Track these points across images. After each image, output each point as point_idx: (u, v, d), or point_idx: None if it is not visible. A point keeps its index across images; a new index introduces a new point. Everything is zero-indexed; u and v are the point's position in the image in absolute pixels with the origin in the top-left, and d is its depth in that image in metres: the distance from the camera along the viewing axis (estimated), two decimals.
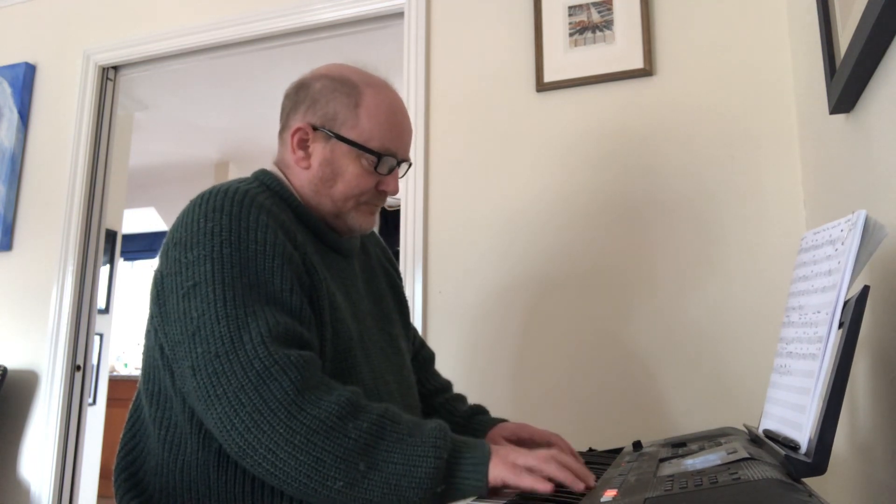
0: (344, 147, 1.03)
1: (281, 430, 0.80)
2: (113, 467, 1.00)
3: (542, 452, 0.84)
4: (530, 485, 0.80)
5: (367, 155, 1.03)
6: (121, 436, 1.02)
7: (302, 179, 1.05)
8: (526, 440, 1.14)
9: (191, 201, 0.96)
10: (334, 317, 0.98)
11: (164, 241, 0.96)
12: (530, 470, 0.81)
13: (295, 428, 0.80)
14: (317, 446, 0.80)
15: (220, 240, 0.89)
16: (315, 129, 1.04)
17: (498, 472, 0.82)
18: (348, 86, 1.04)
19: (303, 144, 1.05)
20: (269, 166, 1.10)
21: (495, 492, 0.83)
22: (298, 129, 1.04)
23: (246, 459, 0.82)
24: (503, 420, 1.22)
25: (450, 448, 0.83)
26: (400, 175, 1.10)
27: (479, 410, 1.27)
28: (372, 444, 0.81)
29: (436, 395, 1.29)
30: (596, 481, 0.83)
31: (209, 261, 0.88)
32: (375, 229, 1.27)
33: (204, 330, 0.85)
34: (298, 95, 1.07)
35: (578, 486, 0.80)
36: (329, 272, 1.03)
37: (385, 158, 1.04)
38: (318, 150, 1.04)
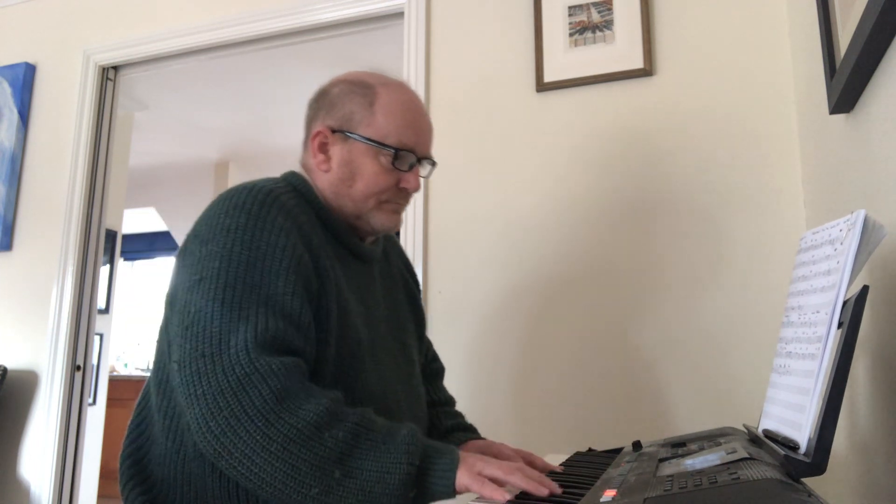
0: (361, 146, 1.04)
1: (258, 437, 0.81)
2: (119, 454, 1.01)
3: (508, 464, 0.87)
4: (489, 495, 0.82)
5: (385, 151, 1.04)
6: (128, 423, 1.03)
7: (323, 182, 1.07)
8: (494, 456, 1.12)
9: (218, 196, 0.99)
10: (343, 322, 0.99)
11: (188, 232, 0.99)
12: (493, 479, 0.84)
13: (272, 436, 0.81)
14: (293, 454, 0.81)
15: (233, 237, 0.92)
16: (333, 131, 1.06)
17: (463, 479, 0.84)
18: (364, 87, 1.06)
19: (323, 148, 1.07)
20: (297, 168, 1.11)
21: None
22: (318, 133, 1.07)
23: (221, 462, 0.83)
24: (475, 439, 1.21)
25: (421, 454, 0.85)
26: (423, 174, 1.10)
27: (460, 427, 1.25)
28: (347, 451, 0.83)
29: (431, 408, 1.28)
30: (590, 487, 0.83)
31: (219, 258, 0.90)
32: None
33: (196, 326, 0.87)
34: (318, 102, 1.10)
35: (542, 492, 0.82)
36: (345, 276, 1.04)
37: (402, 154, 1.05)
38: (337, 151, 1.06)
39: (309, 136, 1.09)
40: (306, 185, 1.06)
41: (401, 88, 1.08)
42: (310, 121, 1.11)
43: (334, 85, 1.09)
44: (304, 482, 0.81)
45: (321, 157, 1.07)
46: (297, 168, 1.11)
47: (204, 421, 0.82)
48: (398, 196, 1.08)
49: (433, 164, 1.12)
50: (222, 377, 0.83)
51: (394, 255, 1.26)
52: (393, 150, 1.04)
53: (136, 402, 1.04)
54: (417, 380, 1.17)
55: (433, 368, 1.34)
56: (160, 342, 1.00)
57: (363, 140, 1.04)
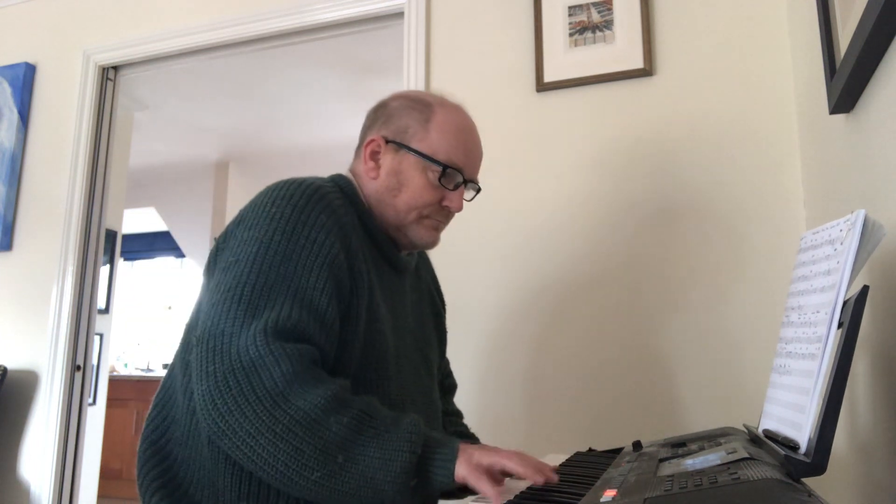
0: (412, 158, 1.07)
1: (264, 418, 0.82)
2: (140, 434, 1.02)
3: (506, 451, 0.88)
4: (483, 488, 0.83)
5: (433, 167, 1.06)
6: (151, 405, 1.04)
7: (369, 189, 1.09)
8: None
9: (266, 186, 1.01)
10: (371, 327, 1.00)
11: (232, 219, 1.01)
12: (490, 469, 0.86)
13: (278, 417, 0.82)
14: (298, 436, 0.82)
15: (275, 226, 0.94)
16: (387, 141, 1.08)
17: (461, 470, 0.85)
18: (422, 104, 1.10)
19: (374, 156, 1.09)
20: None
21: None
22: (371, 141, 1.10)
23: (224, 440, 0.83)
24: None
25: (423, 443, 0.86)
26: (467, 197, 1.13)
27: (462, 435, 1.27)
28: (351, 437, 0.83)
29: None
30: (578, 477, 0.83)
31: (258, 243, 0.93)
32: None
33: (223, 305, 0.89)
34: (376, 113, 1.14)
35: (538, 480, 0.84)
36: (378, 282, 1.05)
37: (450, 172, 1.07)
38: (388, 161, 1.08)
39: (362, 143, 1.12)
40: (352, 188, 1.08)
41: (457, 111, 1.12)
42: (365, 129, 1.14)
43: (394, 99, 1.13)
44: (306, 465, 0.81)
45: (371, 164, 1.09)
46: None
47: (211, 398, 0.83)
48: (439, 213, 1.10)
49: (478, 189, 1.15)
50: (236, 357, 0.84)
51: (424, 271, 1.28)
52: (441, 167, 1.06)
53: (160, 383, 1.05)
54: (436, 394, 1.19)
55: (446, 384, 1.36)
56: (190, 322, 1.02)
57: (414, 153, 1.06)
